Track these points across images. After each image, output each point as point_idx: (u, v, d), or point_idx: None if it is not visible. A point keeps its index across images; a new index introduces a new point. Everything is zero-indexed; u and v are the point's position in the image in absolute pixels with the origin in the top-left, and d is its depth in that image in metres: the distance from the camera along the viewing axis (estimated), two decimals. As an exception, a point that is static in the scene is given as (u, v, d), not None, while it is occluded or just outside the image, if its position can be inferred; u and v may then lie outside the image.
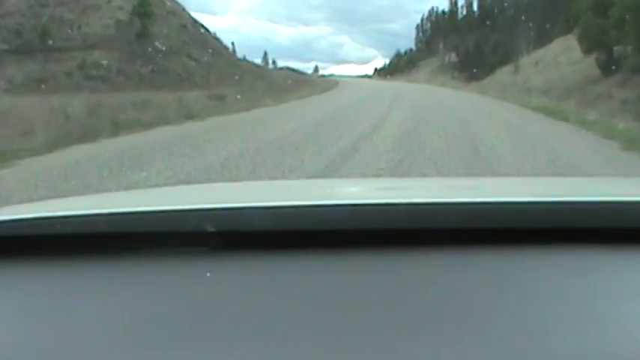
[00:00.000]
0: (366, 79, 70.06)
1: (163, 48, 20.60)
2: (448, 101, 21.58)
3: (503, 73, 35.22)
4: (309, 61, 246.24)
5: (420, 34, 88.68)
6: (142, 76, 18.80)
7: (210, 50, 22.71)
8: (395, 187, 1.45)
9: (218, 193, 1.35)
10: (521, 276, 0.79)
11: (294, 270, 0.82)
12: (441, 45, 66.48)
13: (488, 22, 55.31)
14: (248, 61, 31.25)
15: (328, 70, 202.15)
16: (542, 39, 36.90)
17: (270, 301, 0.72)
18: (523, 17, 43.61)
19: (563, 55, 25.03)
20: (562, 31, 31.59)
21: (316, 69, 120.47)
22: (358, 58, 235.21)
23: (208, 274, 0.79)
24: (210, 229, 0.83)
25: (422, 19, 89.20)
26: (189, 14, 25.04)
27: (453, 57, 59.63)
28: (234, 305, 0.72)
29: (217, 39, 26.54)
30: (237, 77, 22.39)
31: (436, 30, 78.81)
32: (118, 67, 18.47)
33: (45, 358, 0.64)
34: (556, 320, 0.68)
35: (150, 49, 20.05)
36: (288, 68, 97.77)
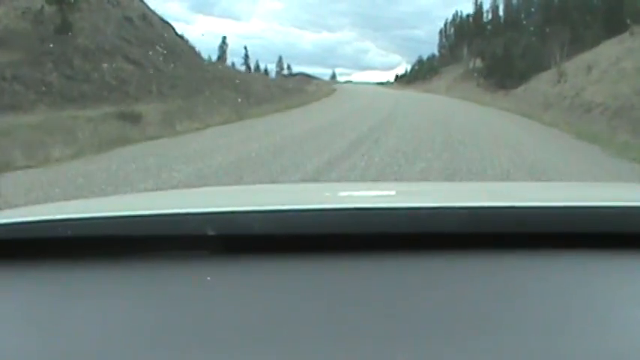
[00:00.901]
0: (375, 88, 64.97)
1: (92, 46, 15.42)
2: (475, 142, 11.64)
3: (541, 81, 27.96)
4: (333, 67, 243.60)
5: (444, 40, 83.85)
6: (49, 84, 13.60)
7: (163, 51, 17.44)
8: (395, 191, 1.46)
9: (218, 196, 1.34)
10: (523, 281, 0.80)
11: (294, 274, 0.82)
12: (465, 50, 60.87)
13: (514, 26, 49.97)
14: (227, 67, 25.83)
15: (352, 76, 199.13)
16: (576, 43, 32.33)
17: (271, 305, 0.73)
18: (553, 21, 38.43)
19: (627, 60, 18.89)
20: (601, 35, 26.84)
21: (334, 75, 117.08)
22: (382, 64, 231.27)
23: (209, 278, 0.79)
24: (211, 232, 0.83)
25: (445, 24, 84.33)
26: (144, 3, 19.76)
27: (478, 62, 54.21)
28: (234, 309, 0.73)
29: (180, 37, 21.28)
30: (197, 86, 17.22)
31: (460, 35, 74.13)
32: (14, 73, 13.32)
33: None
34: (558, 325, 0.69)
35: (70, 49, 14.89)
36: (302, 74, 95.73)
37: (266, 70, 76.62)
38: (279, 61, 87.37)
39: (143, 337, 0.68)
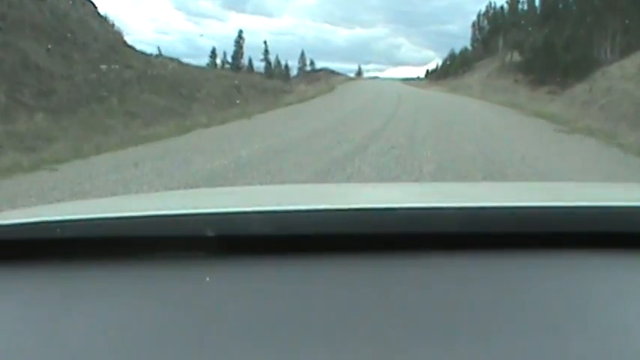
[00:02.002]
0: (396, 86, 58.36)
1: None
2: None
3: (615, 79, 17.71)
4: (367, 62, 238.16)
5: (477, 33, 77.48)
6: None
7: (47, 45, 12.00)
8: (394, 192, 1.47)
9: (217, 197, 1.34)
10: (523, 281, 0.80)
11: (294, 274, 0.82)
12: (500, 42, 54.42)
13: (553, 16, 43.62)
14: (185, 65, 19.83)
15: (384, 72, 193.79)
16: (628, 34, 28.87)
17: (269, 306, 0.74)
18: (600, 10, 32.34)
19: None
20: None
21: (359, 71, 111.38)
22: (415, 60, 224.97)
23: (207, 279, 0.80)
24: (210, 233, 0.83)
25: (478, 16, 77.96)
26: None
27: (515, 56, 47.98)
28: (233, 309, 0.74)
29: (102, 16, 15.70)
30: (106, 89, 11.81)
31: (494, 28, 68.29)
32: None
33: None
34: (558, 325, 0.69)
35: None
36: (326, 70, 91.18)
37: (286, 66, 71.61)
38: (302, 56, 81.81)
39: (142, 338, 0.68)
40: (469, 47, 77.78)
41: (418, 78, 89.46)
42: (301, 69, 79.28)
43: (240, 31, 64.23)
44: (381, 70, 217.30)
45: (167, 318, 0.72)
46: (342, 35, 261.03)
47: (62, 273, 0.83)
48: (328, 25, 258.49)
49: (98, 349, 0.66)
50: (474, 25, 79.18)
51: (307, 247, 0.85)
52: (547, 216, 0.91)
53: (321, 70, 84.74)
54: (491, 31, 71.14)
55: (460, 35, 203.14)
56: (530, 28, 46.19)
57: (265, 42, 72.33)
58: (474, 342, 0.66)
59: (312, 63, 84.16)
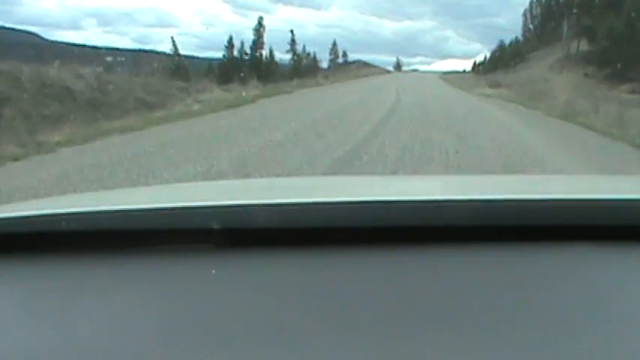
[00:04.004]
0: (424, 84, 50.27)
1: None
2: None
3: None
4: (414, 55, 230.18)
5: (528, 22, 69.71)
6: None
7: None
8: (400, 185, 1.48)
9: (223, 190, 1.33)
10: (528, 273, 0.81)
11: (300, 267, 0.82)
12: (564, 27, 46.35)
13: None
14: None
15: (432, 65, 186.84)
16: None
17: (275, 298, 0.74)
18: None
19: None
20: None
21: (398, 64, 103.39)
22: (463, 53, 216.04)
23: (213, 271, 0.80)
24: (216, 226, 0.83)
25: (531, 3, 69.90)
26: None
27: (583, 45, 40.35)
28: (239, 302, 0.74)
29: None
30: None
31: (547, 15, 60.93)
32: None
33: (51, 355, 0.65)
34: (563, 317, 0.69)
35: None
36: (359, 61, 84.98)
37: (314, 58, 64.75)
38: (333, 47, 74.49)
39: (149, 330, 0.68)
40: (516, 40, 69.95)
41: (464, 71, 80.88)
42: (332, 61, 72.17)
43: (260, 19, 56.57)
44: (428, 64, 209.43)
45: (173, 309, 0.72)
46: (389, 28, 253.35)
47: (68, 265, 0.83)
48: (375, 18, 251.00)
49: (104, 341, 0.66)
50: (525, 13, 71.46)
51: (313, 239, 0.84)
52: (555, 209, 0.90)
53: (354, 62, 77.72)
54: (545, 18, 64.16)
55: (508, 28, 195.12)
56: (601, 13, 38.29)
57: (292, 31, 65.38)
58: (482, 333, 0.66)
59: (344, 54, 76.80)
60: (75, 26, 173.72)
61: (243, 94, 19.07)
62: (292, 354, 0.63)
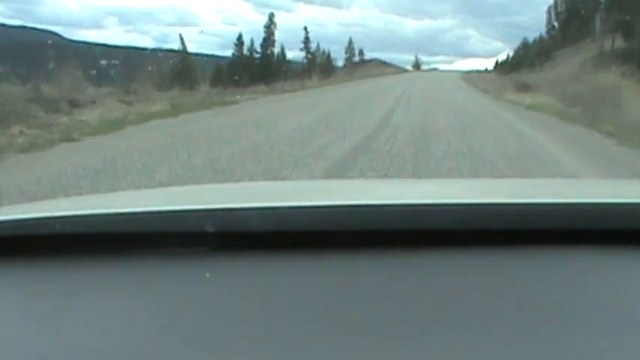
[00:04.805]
0: (431, 87, 46.91)
1: None
2: None
3: None
4: (435, 54, 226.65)
5: (552, 19, 66.44)
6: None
7: None
8: (394, 188, 1.47)
9: (218, 193, 1.34)
10: (522, 277, 0.81)
11: (293, 271, 0.83)
12: (597, 23, 42.94)
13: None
14: None
15: (453, 64, 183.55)
16: None
17: (270, 301, 0.74)
18: None
19: None
20: None
21: (416, 63, 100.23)
22: (484, 52, 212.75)
23: (207, 275, 0.80)
24: (210, 229, 0.84)
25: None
26: None
27: (616, 42, 37.06)
28: (233, 305, 0.74)
29: None
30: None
31: (572, 12, 58.26)
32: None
33: (46, 358, 0.65)
34: (554, 321, 0.69)
35: None
36: (376, 60, 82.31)
37: (329, 56, 61.78)
38: (349, 45, 71.35)
39: (143, 333, 0.68)
40: (540, 37, 66.59)
41: (486, 70, 77.26)
42: (348, 59, 69.10)
43: (271, 15, 53.55)
44: (449, 62, 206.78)
45: (167, 312, 0.72)
46: (410, 26, 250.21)
47: (62, 268, 0.83)
48: (396, 16, 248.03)
49: (99, 343, 0.66)
50: (549, 10, 68.19)
51: (307, 243, 0.84)
52: (546, 213, 0.90)
53: (371, 60, 74.68)
54: (570, 15, 61.16)
55: (530, 27, 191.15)
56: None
57: (306, 28, 62.34)
58: (477, 337, 0.66)
59: (361, 52, 73.66)
60: (96, 25, 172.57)
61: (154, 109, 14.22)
62: (286, 357, 0.63)
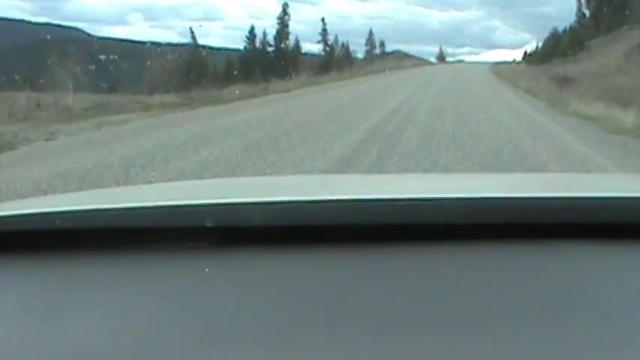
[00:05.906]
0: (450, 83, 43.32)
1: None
2: None
3: None
4: (461, 46, 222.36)
5: (583, 5, 62.74)
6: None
7: None
8: (395, 183, 1.44)
9: (217, 188, 1.32)
10: (524, 272, 0.80)
11: (294, 265, 0.82)
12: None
13: None
14: None
15: (480, 56, 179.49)
16: None
17: (270, 297, 0.74)
18: None
19: None
20: None
21: (441, 55, 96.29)
22: (511, 43, 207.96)
23: (207, 270, 0.80)
24: (210, 224, 0.83)
25: (587, -15, 62.82)
26: None
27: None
28: (232, 300, 0.74)
29: None
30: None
31: None
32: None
33: (45, 353, 0.65)
34: (559, 316, 0.69)
35: None
36: (399, 52, 78.97)
37: (347, 48, 58.50)
38: (369, 37, 68.03)
39: (142, 328, 0.68)
40: (571, 27, 62.70)
41: (514, 61, 73.17)
42: (369, 52, 65.85)
43: (285, 5, 50.07)
44: (476, 54, 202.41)
45: (167, 308, 0.72)
46: (435, 18, 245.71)
47: (62, 264, 0.83)
48: (421, 8, 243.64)
49: (98, 339, 0.66)
50: (579, -4, 64.24)
51: (307, 237, 0.84)
52: (549, 207, 0.90)
53: (393, 52, 71.46)
54: (603, 2, 57.72)
55: (557, 17, 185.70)
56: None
57: (323, 19, 59.26)
58: (480, 332, 0.66)
59: (382, 44, 70.36)
60: (121, 21, 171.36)
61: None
62: (287, 352, 0.63)
